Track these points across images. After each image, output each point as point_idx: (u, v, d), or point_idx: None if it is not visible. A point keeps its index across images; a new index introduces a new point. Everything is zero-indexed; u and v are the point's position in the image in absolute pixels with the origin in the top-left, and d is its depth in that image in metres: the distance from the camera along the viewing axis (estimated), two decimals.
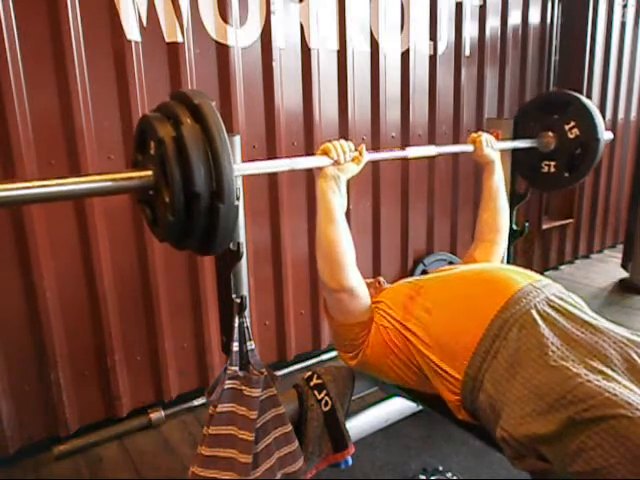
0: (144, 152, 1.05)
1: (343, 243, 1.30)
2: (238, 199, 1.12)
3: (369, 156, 1.36)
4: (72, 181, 0.95)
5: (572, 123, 1.90)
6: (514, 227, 2.14)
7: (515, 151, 2.05)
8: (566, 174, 1.97)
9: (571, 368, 0.98)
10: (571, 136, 1.91)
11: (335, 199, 1.29)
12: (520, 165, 2.10)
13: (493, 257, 1.68)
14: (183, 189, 0.95)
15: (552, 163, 1.99)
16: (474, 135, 1.70)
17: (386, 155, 1.60)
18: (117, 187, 1.00)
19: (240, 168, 1.13)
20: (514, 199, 2.12)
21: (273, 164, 1.28)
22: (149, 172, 1.01)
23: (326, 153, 1.28)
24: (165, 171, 0.97)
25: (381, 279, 1.65)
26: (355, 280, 1.33)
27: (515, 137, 2.06)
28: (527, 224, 2.15)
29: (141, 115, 1.07)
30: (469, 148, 1.69)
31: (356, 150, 1.34)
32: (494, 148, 1.69)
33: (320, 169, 1.30)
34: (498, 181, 1.70)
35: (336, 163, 1.28)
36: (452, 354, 1.17)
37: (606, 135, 1.92)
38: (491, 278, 1.27)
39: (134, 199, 1.15)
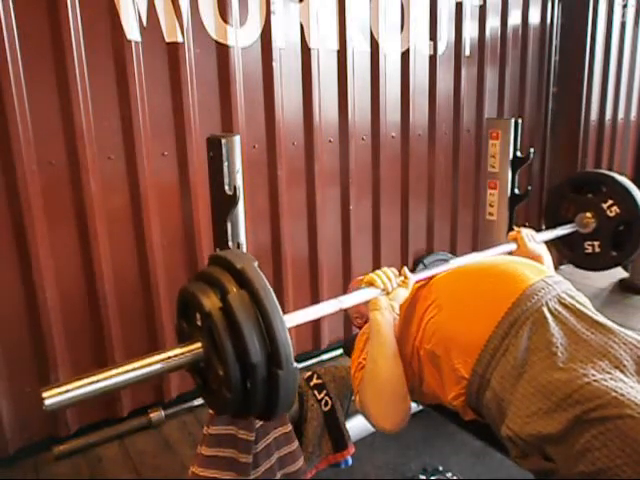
0: (189, 321, 1.01)
1: (399, 378, 1.22)
2: (234, 197, 1.09)
3: (415, 277, 1.32)
4: (124, 370, 0.90)
5: (610, 202, 1.83)
6: (514, 227, 2.14)
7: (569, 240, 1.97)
8: (613, 253, 1.89)
9: (578, 369, 0.97)
10: (611, 214, 1.84)
11: (391, 332, 1.24)
12: (561, 248, 2.03)
13: None
14: (237, 361, 0.90)
15: (596, 243, 1.91)
16: (513, 233, 1.66)
17: (431, 272, 1.52)
18: (169, 367, 0.95)
19: (290, 320, 1.07)
20: (514, 199, 2.12)
21: (321, 308, 1.19)
22: (198, 344, 0.96)
23: (372, 284, 1.26)
24: (215, 343, 0.91)
25: None
26: (407, 410, 1.25)
27: (547, 220, 2.01)
28: (527, 224, 2.14)
29: (182, 287, 1.01)
30: (512, 247, 1.62)
31: (400, 274, 1.31)
32: (537, 241, 1.63)
33: (370, 302, 1.26)
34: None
35: (385, 292, 1.26)
36: (462, 351, 1.15)
37: None
38: (502, 273, 1.25)
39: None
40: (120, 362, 0.91)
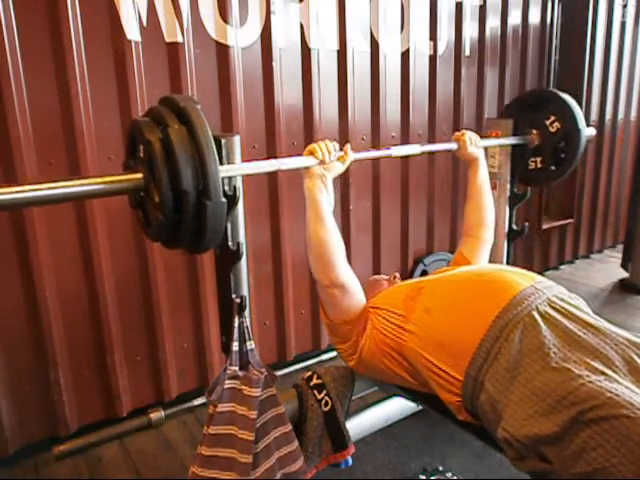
0: (135, 157, 1.10)
1: (332, 240, 1.31)
2: (234, 197, 1.15)
3: (354, 155, 1.40)
4: (64, 185, 0.97)
5: (552, 117, 1.96)
6: (514, 227, 2.14)
7: (514, 153, 2.06)
8: (552, 167, 2.02)
9: (573, 369, 0.98)
10: (552, 130, 1.97)
11: (322, 197, 1.31)
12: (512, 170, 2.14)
13: (480, 254, 1.68)
14: (171, 188, 0.99)
15: (538, 159, 2.04)
16: (458, 134, 1.75)
17: (371, 154, 1.62)
18: (109, 190, 1.04)
19: (227, 169, 1.14)
20: (514, 199, 2.12)
21: (260, 165, 1.27)
22: (139, 175, 1.05)
23: (312, 153, 1.31)
24: (154, 172, 1.00)
25: (397, 274, 1.66)
26: (346, 276, 1.35)
27: None
28: (527, 224, 2.15)
29: (131, 121, 1.09)
30: (453, 146, 1.73)
31: (341, 149, 1.37)
32: (478, 146, 1.75)
33: (307, 169, 1.32)
34: (483, 177, 1.76)
35: (322, 163, 1.30)
36: (453, 354, 1.16)
37: (588, 131, 1.97)
38: (493, 279, 1.26)
39: (129, 203, 1.19)
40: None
